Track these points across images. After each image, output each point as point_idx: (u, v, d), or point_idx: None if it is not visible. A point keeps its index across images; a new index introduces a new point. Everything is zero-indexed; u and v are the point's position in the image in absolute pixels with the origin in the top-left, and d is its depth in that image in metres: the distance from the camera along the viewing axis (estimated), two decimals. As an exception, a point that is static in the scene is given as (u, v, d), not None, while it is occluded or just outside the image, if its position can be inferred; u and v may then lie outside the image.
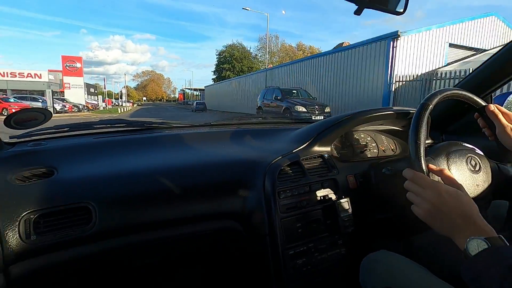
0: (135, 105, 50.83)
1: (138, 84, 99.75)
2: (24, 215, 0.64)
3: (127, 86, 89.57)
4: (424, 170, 0.59)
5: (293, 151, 0.95)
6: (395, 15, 0.65)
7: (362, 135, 1.14)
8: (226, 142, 1.10)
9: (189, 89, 70.56)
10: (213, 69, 47.54)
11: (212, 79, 46.96)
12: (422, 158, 0.60)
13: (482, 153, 0.80)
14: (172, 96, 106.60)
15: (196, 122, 1.30)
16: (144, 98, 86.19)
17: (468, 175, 0.73)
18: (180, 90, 77.24)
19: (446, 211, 0.50)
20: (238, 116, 1.48)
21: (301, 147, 0.97)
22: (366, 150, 1.13)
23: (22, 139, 0.89)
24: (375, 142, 1.16)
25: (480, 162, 0.76)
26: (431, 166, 0.61)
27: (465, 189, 0.67)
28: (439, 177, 0.58)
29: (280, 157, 0.91)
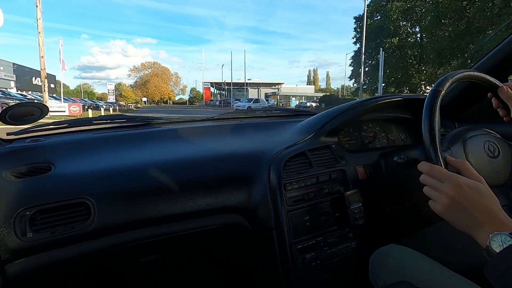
0: (107, 112, 18.91)
1: (136, 81, 73.83)
2: (19, 211, 0.62)
3: (120, 84, 69.41)
4: (441, 163, 0.55)
5: (299, 142, 0.92)
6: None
7: (370, 125, 1.10)
8: (229, 135, 1.07)
9: (221, 84, 52.06)
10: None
11: (355, 51, 24.55)
12: (438, 150, 0.56)
13: (499, 136, 0.75)
14: (178, 97, 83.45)
15: (198, 117, 1.27)
16: (144, 99, 62.35)
17: (487, 161, 0.69)
18: (204, 83, 53.06)
19: (466, 205, 0.47)
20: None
21: (307, 138, 0.94)
22: (375, 140, 1.09)
23: (20, 136, 0.87)
24: (384, 131, 1.12)
25: (498, 146, 0.72)
26: (449, 158, 0.56)
27: (485, 176, 0.62)
28: (458, 169, 0.54)
29: (285, 148, 0.88)
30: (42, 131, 0.92)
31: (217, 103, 41.61)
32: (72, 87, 73.25)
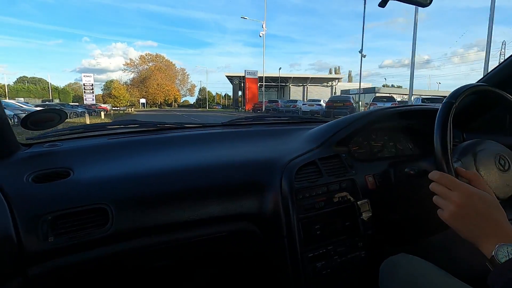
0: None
1: (133, 78, 56.84)
2: (42, 216, 0.64)
3: (112, 81, 52.19)
4: (452, 173, 0.57)
5: (310, 150, 0.93)
6: (419, 7, 0.63)
7: (379, 134, 1.11)
8: (240, 142, 1.09)
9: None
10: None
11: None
12: (449, 160, 0.58)
13: (510, 151, 0.76)
14: (183, 99, 70.23)
15: (208, 123, 1.29)
16: (143, 101, 48.91)
17: (498, 175, 0.70)
18: (250, 73, 31.90)
19: (473, 215, 0.48)
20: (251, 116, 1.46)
21: (318, 147, 0.95)
22: (384, 149, 1.10)
23: (38, 140, 0.89)
24: (393, 141, 1.13)
25: (509, 160, 0.73)
26: (459, 168, 0.58)
27: (496, 189, 0.64)
28: (468, 180, 0.55)
29: (297, 157, 0.89)
30: (59, 135, 0.95)
31: (315, 108, 18.92)
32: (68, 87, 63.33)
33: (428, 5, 0.63)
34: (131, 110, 31.66)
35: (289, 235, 0.80)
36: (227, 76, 43.15)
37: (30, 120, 0.80)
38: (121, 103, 44.29)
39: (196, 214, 0.78)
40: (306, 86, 38.09)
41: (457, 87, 0.68)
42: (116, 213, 0.69)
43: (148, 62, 58.13)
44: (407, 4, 0.67)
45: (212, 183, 0.82)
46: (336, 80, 40.19)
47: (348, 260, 0.86)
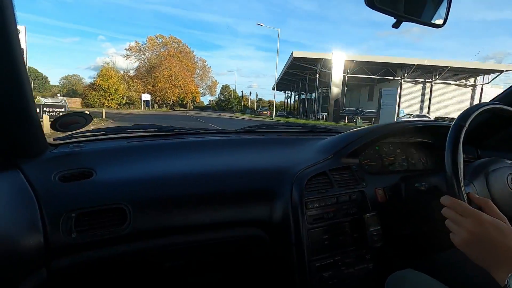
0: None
1: (139, 65, 42.27)
2: (67, 213, 0.68)
3: (108, 68, 34.28)
4: (464, 198, 0.56)
5: (321, 161, 0.95)
6: (434, 28, 0.64)
7: (391, 147, 1.12)
8: (253, 150, 1.11)
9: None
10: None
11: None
12: (461, 184, 0.57)
13: None
14: (202, 98, 55.90)
15: (223, 130, 1.33)
16: (146, 97, 35.24)
17: (510, 195, 0.69)
18: None
19: (486, 242, 0.48)
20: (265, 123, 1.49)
21: (329, 158, 0.97)
22: (395, 162, 1.10)
23: (64, 141, 0.94)
24: (405, 154, 1.13)
25: None
26: (472, 195, 0.58)
27: (508, 211, 0.64)
28: (481, 207, 0.55)
29: (308, 167, 0.91)
30: (83, 137, 1.00)
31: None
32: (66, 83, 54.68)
33: (442, 26, 0.64)
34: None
35: (297, 244, 0.82)
36: (300, 58, 24.70)
37: (59, 123, 0.85)
38: (112, 100, 29.97)
39: (209, 218, 0.81)
40: (431, 83, 20.44)
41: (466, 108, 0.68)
42: (133, 214, 0.73)
43: (159, 47, 42.40)
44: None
45: (225, 189, 0.85)
46: (497, 74, 20.76)
47: (355, 272, 0.86)
